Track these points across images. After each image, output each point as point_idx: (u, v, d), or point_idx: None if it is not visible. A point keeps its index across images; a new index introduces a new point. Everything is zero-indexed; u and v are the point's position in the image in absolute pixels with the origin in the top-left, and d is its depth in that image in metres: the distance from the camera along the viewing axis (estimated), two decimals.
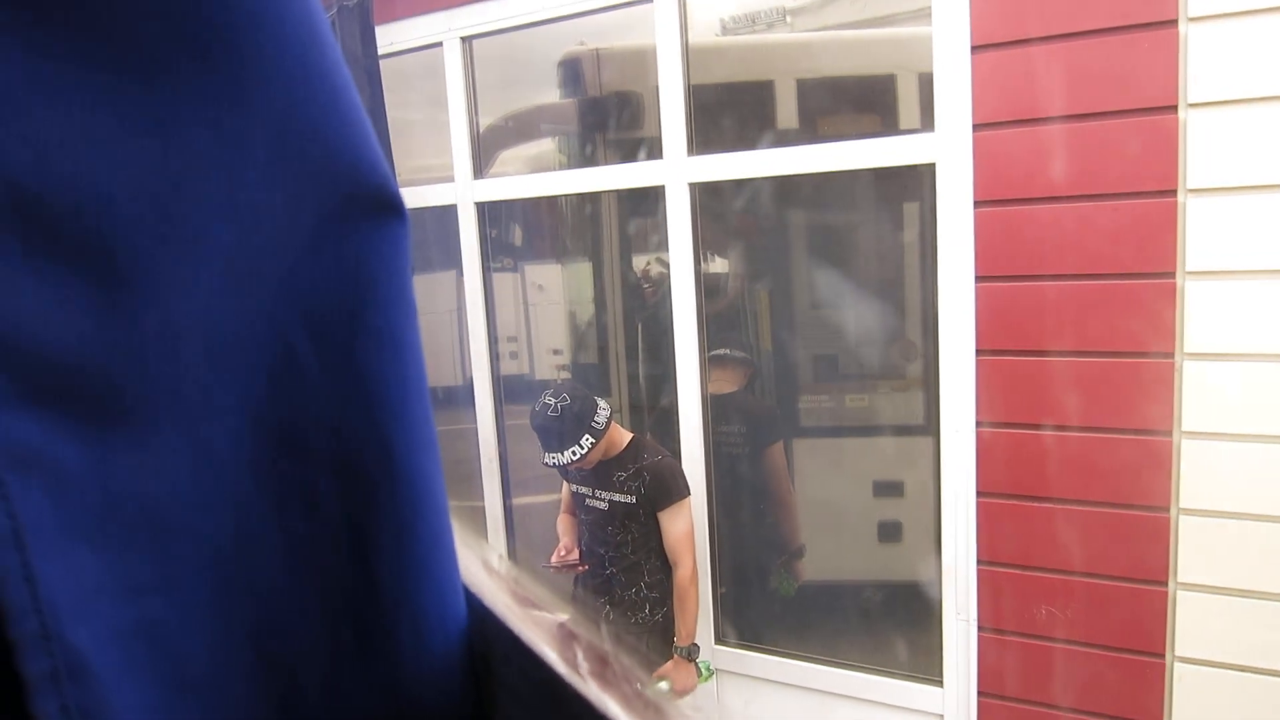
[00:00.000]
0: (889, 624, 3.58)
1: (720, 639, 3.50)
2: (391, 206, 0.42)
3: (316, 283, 0.40)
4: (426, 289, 4.18)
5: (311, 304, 0.40)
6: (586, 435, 2.80)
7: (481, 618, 0.47)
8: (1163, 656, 2.60)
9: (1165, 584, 2.57)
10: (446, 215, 3.86)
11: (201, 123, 0.35)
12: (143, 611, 0.36)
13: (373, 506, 0.42)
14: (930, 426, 3.10)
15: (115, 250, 0.34)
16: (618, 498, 2.96)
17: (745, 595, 3.68)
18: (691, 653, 2.96)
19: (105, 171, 0.33)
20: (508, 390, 3.98)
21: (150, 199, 0.35)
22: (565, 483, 3.26)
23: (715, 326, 3.56)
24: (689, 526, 2.97)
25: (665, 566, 3.01)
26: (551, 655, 0.43)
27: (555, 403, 2.80)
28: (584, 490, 3.06)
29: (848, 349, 3.81)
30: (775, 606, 3.68)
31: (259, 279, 0.39)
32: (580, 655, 0.42)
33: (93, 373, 0.34)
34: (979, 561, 2.83)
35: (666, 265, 3.38)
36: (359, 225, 0.41)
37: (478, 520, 3.93)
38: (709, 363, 3.49)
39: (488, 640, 0.46)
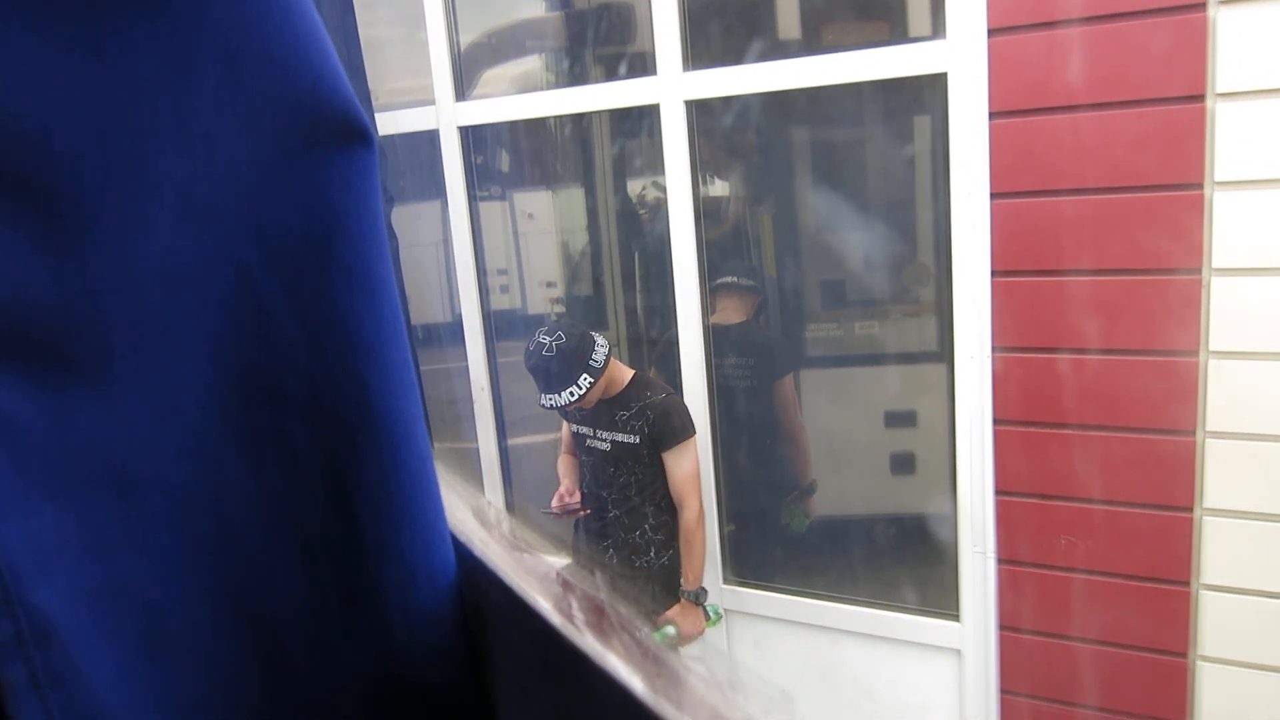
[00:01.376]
0: (903, 559, 3.63)
1: (728, 580, 3.55)
2: (358, 133, 0.41)
3: (280, 217, 0.39)
4: (409, 220, 4.14)
5: (275, 241, 0.39)
6: (585, 374, 2.80)
7: (472, 568, 0.47)
8: (1188, 585, 2.64)
9: (1191, 510, 2.60)
10: (428, 141, 3.81)
11: (146, 44, 0.34)
12: (111, 569, 0.36)
13: (351, 454, 0.42)
14: (943, 353, 3.10)
15: (58, 187, 0.33)
16: (620, 438, 2.97)
17: (754, 534, 3.72)
18: (699, 596, 3.01)
19: (43, 100, 0.32)
20: (499, 325, 3.97)
21: (94, 130, 0.33)
22: (565, 422, 3.28)
23: (716, 253, 3.54)
24: (695, 466, 2.99)
25: (670, 508, 3.03)
26: (546, 606, 0.43)
27: (550, 341, 2.80)
28: (585, 430, 3.07)
29: (856, 274, 3.80)
30: (785, 544, 3.72)
31: (216, 215, 0.38)
32: (575, 605, 0.42)
33: (43, 321, 0.33)
34: (996, 492, 2.86)
35: (663, 189, 3.35)
36: (323, 154, 0.40)
37: (471, 463, 3.96)
38: (711, 292, 3.47)
39: (479, 591, 0.46)
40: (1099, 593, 2.77)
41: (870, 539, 3.83)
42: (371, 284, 0.42)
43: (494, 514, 0.52)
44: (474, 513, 0.52)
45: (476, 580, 0.47)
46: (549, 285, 4.49)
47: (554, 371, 2.80)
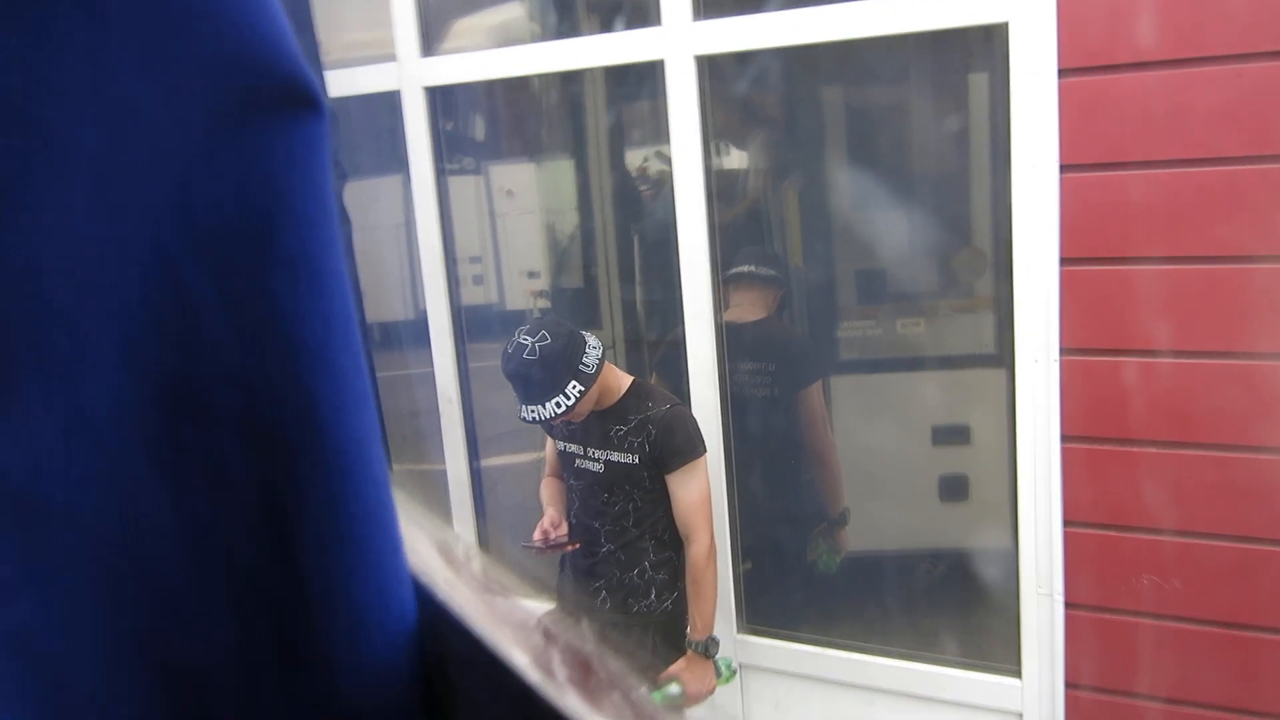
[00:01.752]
0: (953, 603, 3.63)
1: (743, 629, 3.55)
2: (305, 98, 0.42)
3: (212, 199, 0.39)
4: (365, 200, 4.15)
5: (206, 226, 0.39)
6: (574, 382, 2.80)
7: (436, 615, 0.47)
8: None
9: None
10: (388, 104, 3.82)
11: None
12: (9, 617, 0.36)
13: (293, 480, 0.42)
14: (1002, 357, 3.10)
15: None
16: (616, 457, 2.97)
17: (774, 574, 3.72)
18: (709, 647, 3.00)
19: None
20: (471, 324, 3.97)
21: None
22: (550, 439, 3.28)
23: (731, 238, 3.54)
24: (704, 492, 2.99)
25: (675, 542, 3.03)
26: (523, 660, 0.43)
27: (533, 342, 2.80)
28: (573, 449, 3.08)
29: (897, 262, 3.81)
30: (812, 586, 3.73)
31: (139, 196, 0.38)
32: (558, 659, 0.43)
33: None
34: (1064, 523, 2.86)
35: (668, 161, 3.35)
36: (264, 124, 0.40)
37: (436, 489, 3.97)
38: (725, 284, 3.48)
39: (443, 643, 0.47)
40: (1187, 643, 2.77)
41: (913, 579, 3.84)
42: (319, 277, 0.42)
43: (463, 550, 0.52)
44: (439, 548, 0.52)
45: (440, 630, 0.47)
46: (531, 276, 4.49)
47: (537, 378, 2.80)
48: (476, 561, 0.51)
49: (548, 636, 0.46)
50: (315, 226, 0.43)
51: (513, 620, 0.46)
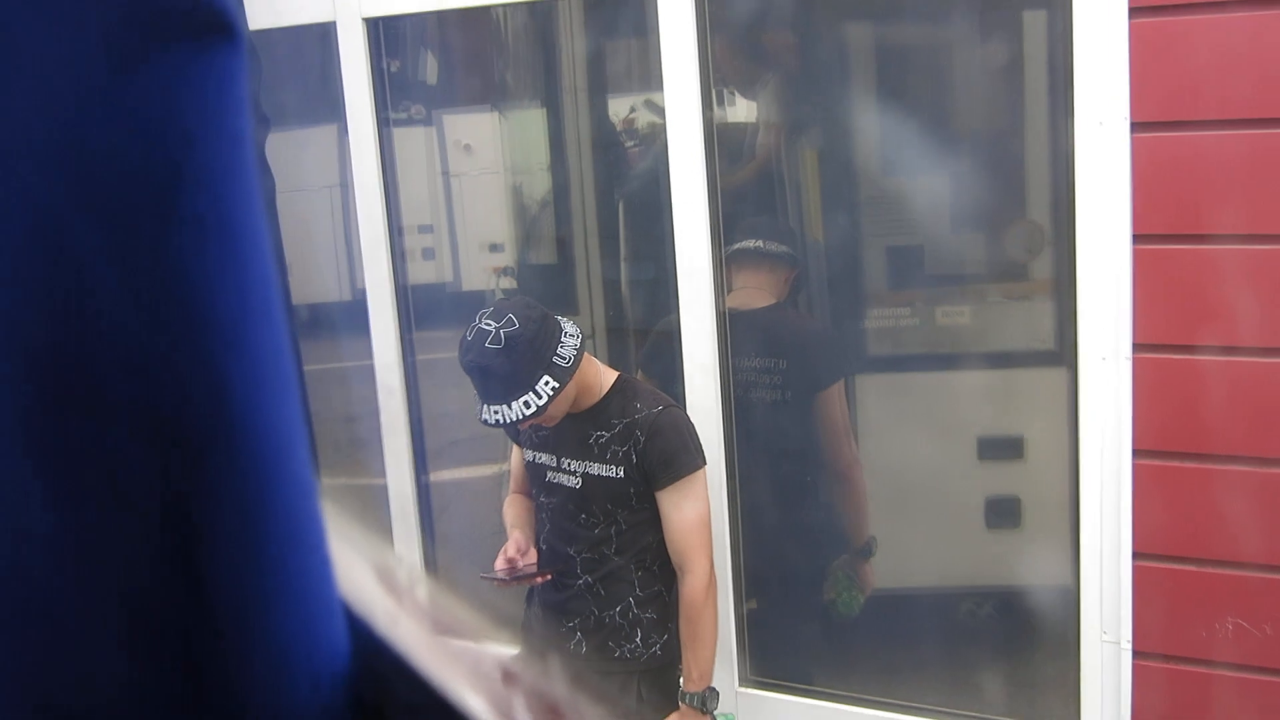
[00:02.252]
0: (1000, 651, 3.65)
1: (748, 679, 3.56)
2: (218, 25, 0.42)
3: (106, 146, 0.39)
4: (290, 153, 4.14)
5: (99, 178, 0.39)
6: (546, 377, 2.80)
7: (373, 653, 0.47)
8: None
9: None
10: (319, 38, 3.81)
11: None
12: None
13: (200, 484, 0.42)
14: (1063, 353, 3.12)
15: None
16: (596, 470, 2.97)
17: (785, 614, 3.73)
18: (706, 701, 3.01)
19: None
20: (420, 308, 3.97)
21: None
22: (515, 448, 3.28)
23: (736, 205, 3.54)
24: (703, 512, 2.99)
25: (667, 573, 3.04)
26: (479, 707, 0.43)
27: (496, 328, 2.79)
28: (544, 460, 3.08)
29: (939, 237, 3.81)
30: (830, 630, 3.73)
31: (19, 144, 0.38)
32: (522, 707, 0.43)
33: None
34: (1135, 555, 2.87)
35: (660, 111, 3.35)
36: (168, 57, 0.40)
37: (375, 508, 3.96)
38: (728, 262, 3.48)
39: (382, 686, 0.47)
40: (1277, 700, 2.79)
41: (953, 623, 3.85)
42: (234, 241, 0.42)
43: (407, 575, 0.52)
44: (377, 573, 0.52)
45: (378, 671, 0.47)
46: (493, 250, 4.48)
47: (501, 373, 2.80)
48: (423, 589, 0.52)
49: (509, 679, 0.47)
50: (230, 181, 0.43)
51: (467, 660, 0.46)
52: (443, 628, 0.49)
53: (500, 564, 3.08)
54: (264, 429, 0.43)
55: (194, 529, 0.43)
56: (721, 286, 3.38)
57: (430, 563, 4.01)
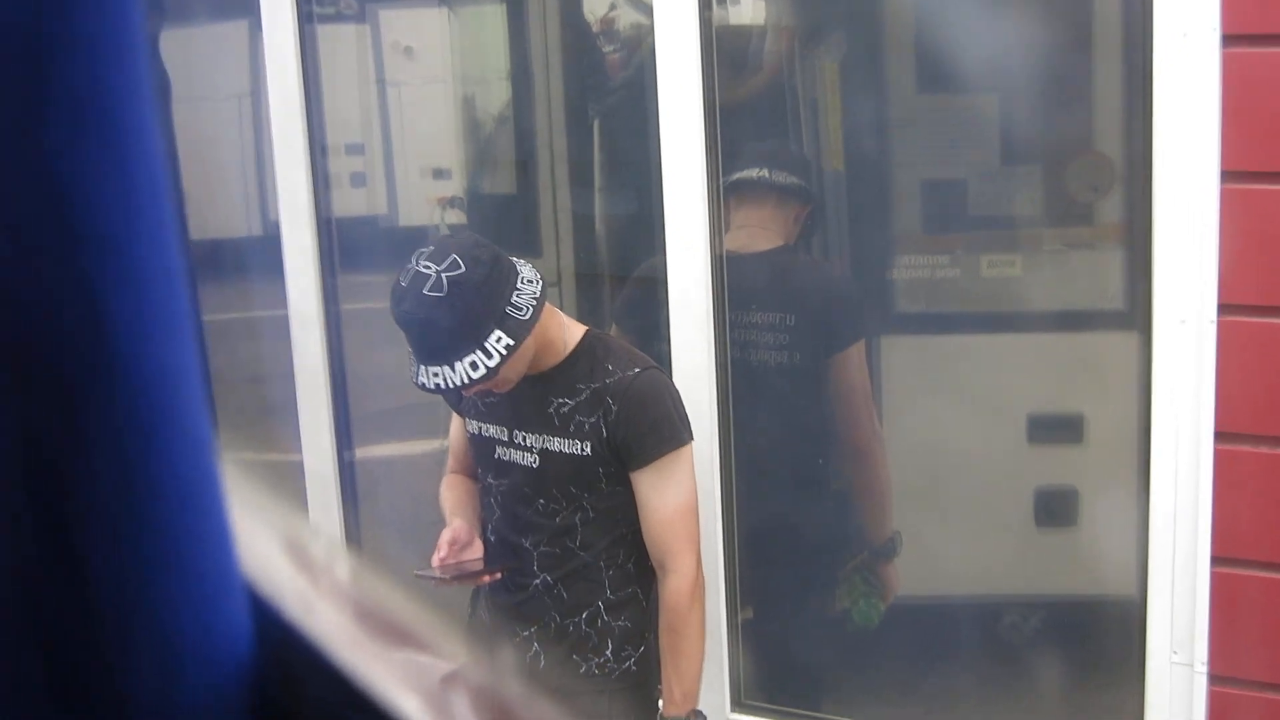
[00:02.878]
0: (1051, 673, 3.66)
1: (742, 704, 3.58)
2: None
3: None
4: (191, 54, 4.12)
5: None
6: (498, 333, 2.79)
7: (282, 643, 0.48)
8: None
9: None
10: None
11: None
12: None
13: (72, 435, 0.42)
14: (1133, 315, 3.12)
15: None
16: (558, 445, 2.97)
17: (787, 625, 3.74)
18: None
19: None
20: (347, 246, 3.96)
21: None
22: (456, 418, 3.27)
23: (738, 127, 3.53)
24: (689, 498, 2.99)
25: (644, 572, 3.04)
26: (412, 708, 0.44)
27: (438, 272, 2.78)
28: (494, 433, 3.07)
29: (985, 171, 3.81)
30: (843, 645, 3.75)
31: None
32: (463, 708, 0.43)
33: None
34: (1215, 560, 2.89)
35: (647, 9, 3.34)
36: None
37: (291, 485, 3.96)
38: (726, 196, 3.47)
39: (293, 682, 0.47)
40: None
41: (994, 638, 3.87)
42: (116, 135, 0.42)
43: (324, 549, 0.52)
44: (288, 548, 0.52)
45: (289, 663, 0.48)
46: (438, 176, 4.45)
47: (444, 327, 2.79)
48: (344, 566, 0.52)
49: (449, 675, 0.47)
50: (114, 68, 0.43)
51: (398, 651, 0.46)
52: (368, 610, 0.49)
53: (437, 559, 3.08)
54: (151, 368, 0.43)
55: (63, 486, 0.42)
56: (718, 225, 3.38)
57: (352, 534, 4.01)
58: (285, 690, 0.47)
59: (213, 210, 4.44)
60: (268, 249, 3.99)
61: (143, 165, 0.44)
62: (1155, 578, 2.97)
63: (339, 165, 4.08)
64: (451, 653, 0.49)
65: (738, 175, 3.52)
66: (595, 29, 4.20)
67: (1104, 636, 3.31)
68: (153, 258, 0.44)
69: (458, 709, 0.44)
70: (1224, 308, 2.80)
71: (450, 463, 3.36)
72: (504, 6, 4.41)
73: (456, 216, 4.31)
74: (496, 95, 4.46)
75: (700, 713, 3.04)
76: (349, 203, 4.15)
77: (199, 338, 0.48)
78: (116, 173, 0.43)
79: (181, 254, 0.46)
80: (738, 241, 3.53)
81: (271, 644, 0.48)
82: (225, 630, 0.46)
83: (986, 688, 3.75)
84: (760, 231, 3.57)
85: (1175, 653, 2.96)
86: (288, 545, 0.52)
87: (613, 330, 3.68)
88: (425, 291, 2.77)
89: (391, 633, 0.50)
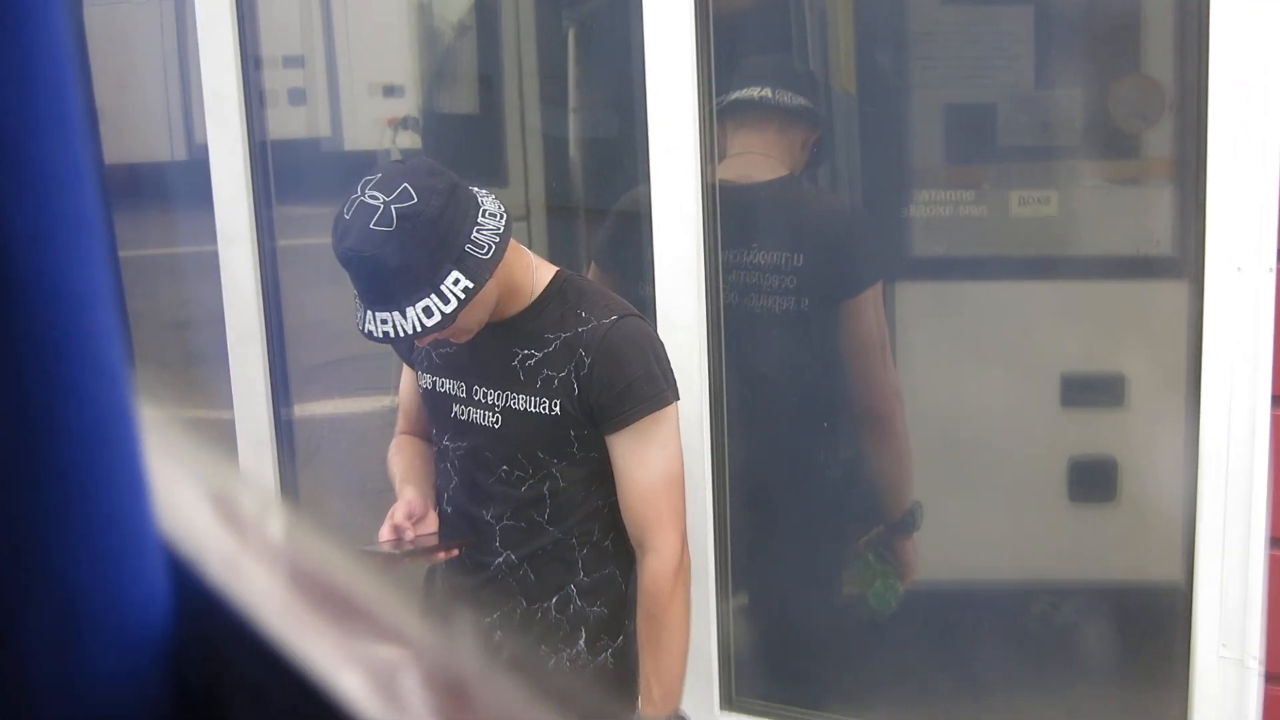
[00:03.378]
0: (1085, 668, 3.68)
1: (732, 701, 3.59)
2: None
3: None
4: None
5: None
6: (454, 273, 2.79)
7: (204, 612, 0.47)
8: None
9: None
10: None
11: None
12: None
13: None
14: (1183, 261, 3.13)
15: None
16: (523, 403, 2.97)
17: (788, 611, 3.75)
18: None
19: None
20: (284, 172, 3.95)
21: None
22: (407, 371, 3.27)
23: (736, 38, 3.53)
24: (674, 466, 2.99)
25: (622, 551, 3.05)
26: (354, 685, 0.43)
27: (385, 203, 2.77)
28: (449, 388, 3.07)
29: (1018, 94, 3.81)
30: (852, 636, 3.77)
31: None
32: (413, 684, 0.43)
33: None
34: (1272, 541, 2.90)
35: None
36: None
37: (221, 447, 3.96)
38: (722, 117, 3.47)
39: (216, 656, 0.47)
40: None
41: (1021, 628, 3.88)
42: (13, 14, 0.42)
43: (254, 503, 0.52)
44: (213, 502, 0.52)
45: (211, 637, 0.48)
46: (388, 93, 4.44)
47: (393, 266, 2.78)
48: (278, 523, 0.51)
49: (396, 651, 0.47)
50: None
51: (340, 618, 0.46)
52: (304, 573, 0.48)
53: (387, 533, 3.08)
54: (53, 282, 0.43)
55: None
56: (710, 150, 3.38)
57: (288, 486, 4.00)
58: (206, 664, 0.47)
59: (130, 130, 4.43)
60: (193, 176, 3.98)
61: (45, 55, 0.43)
62: (1203, 561, 2.98)
63: (275, 80, 4.07)
64: (402, 629, 0.48)
65: (735, 95, 3.52)
66: None
67: (1145, 627, 3.33)
68: (57, 158, 0.44)
69: (405, 687, 0.43)
70: None
71: (400, 422, 3.36)
72: None
73: (409, 140, 4.30)
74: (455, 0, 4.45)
75: (683, 714, 3.05)
76: (286, 122, 4.13)
77: (111, 257, 0.48)
78: (14, 56, 0.42)
79: (89, 159, 0.46)
80: (735, 170, 3.53)
81: (192, 611, 0.47)
82: (137, 593, 0.46)
83: (1013, 683, 3.77)
84: (761, 159, 3.57)
85: (1224, 646, 2.98)
86: (213, 498, 0.52)
87: (590, 272, 3.68)
88: (372, 226, 2.75)
89: (332, 603, 0.50)
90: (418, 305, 2.77)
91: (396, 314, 2.78)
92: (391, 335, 2.81)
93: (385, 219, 2.75)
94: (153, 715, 0.47)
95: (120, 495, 0.45)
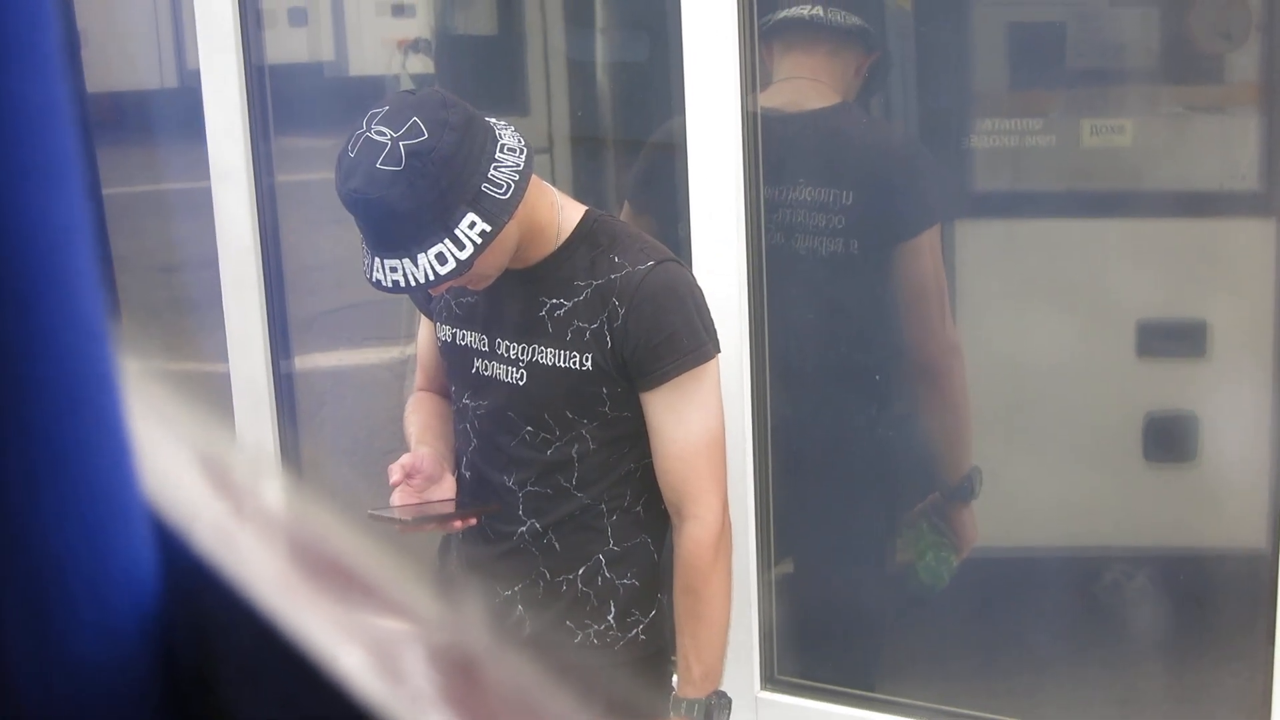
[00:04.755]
0: (1157, 641, 3.69)
1: (772, 680, 3.61)
2: None
3: None
4: None
5: None
6: (470, 216, 2.78)
7: (193, 586, 0.48)
8: None
9: None
10: None
11: None
12: None
13: None
14: (1271, 197, 3.12)
15: None
16: (551, 358, 2.97)
17: (833, 583, 3.76)
18: (712, 712, 3.04)
19: None
20: (284, 103, 3.96)
21: None
22: (424, 322, 3.27)
23: None
24: (715, 426, 2.99)
25: (656, 519, 3.05)
26: (354, 663, 0.44)
27: (393, 139, 2.76)
28: (469, 341, 3.07)
29: (1090, 12, 3.79)
30: (905, 609, 3.77)
31: None
32: (416, 662, 0.43)
33: None
34: None
35: None
36: None
37: (215, 402, 3.97)
38: (767, 38, 3.46)
39: (206, 635, 0.47)
40: None
41: (1091, 600, 3.89)
42: None
43: (249, 467, 0.52)
44: (204, 466, 0.52)
45: (201, 612, 0.48)
46: (397, 13, 4.44)
47: (402, 211, 2.77)
48: (274, 488, 0.52)
49: (409, 639, 0.47)
50: None
51: (341, 592, 0.46)
52: (302, 542, 0.49)
53: (397, 497, 3.08)
54: (22, 220, 0.43)
55: None
56: (753, 75, 3.37)
57: (288, 446, 4.01)
58: (196, 641, 0.47)
59: (115, 56, 4.44)
60: (184, 105, 3.99)
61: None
62: None
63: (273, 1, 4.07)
64: (408, 603, 0.48)
65: (783, 14, 3.51)
66: None
67: (1226, 599, 3.33)
68: (26, 86, 0.44)
69: (410, 666, 0.44)
70: None
71: (418, 377, 3.36)
72: None
73: (421, 64, 4.31)
74: None
75: (723, 695, 3.06)
76: (286, 46, 4.14)
77: (91, 195, 0.48)
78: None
79: (66, 87, 0.46)
80: (781, 98, 3.52)
81: (180, 586, 0.48)
82: (119, 567, 0.46)
83: (1080, 662, 3.77)
84: (810, 85, 3.56)
85: None
86: (203, 461, 0.52)
87: (622, 212, 3.67)
88: (378, 165, 2.74)
89: (332, 575, 0.50)
90: (430, 252, 2.76)
91: (407, 261, 2.77)
92: (402, 285, 2.79)
93: (393, 157, 2.74)
94: (138, 698, 0.47)
95: (99, 459, 0.46)
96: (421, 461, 3.03)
